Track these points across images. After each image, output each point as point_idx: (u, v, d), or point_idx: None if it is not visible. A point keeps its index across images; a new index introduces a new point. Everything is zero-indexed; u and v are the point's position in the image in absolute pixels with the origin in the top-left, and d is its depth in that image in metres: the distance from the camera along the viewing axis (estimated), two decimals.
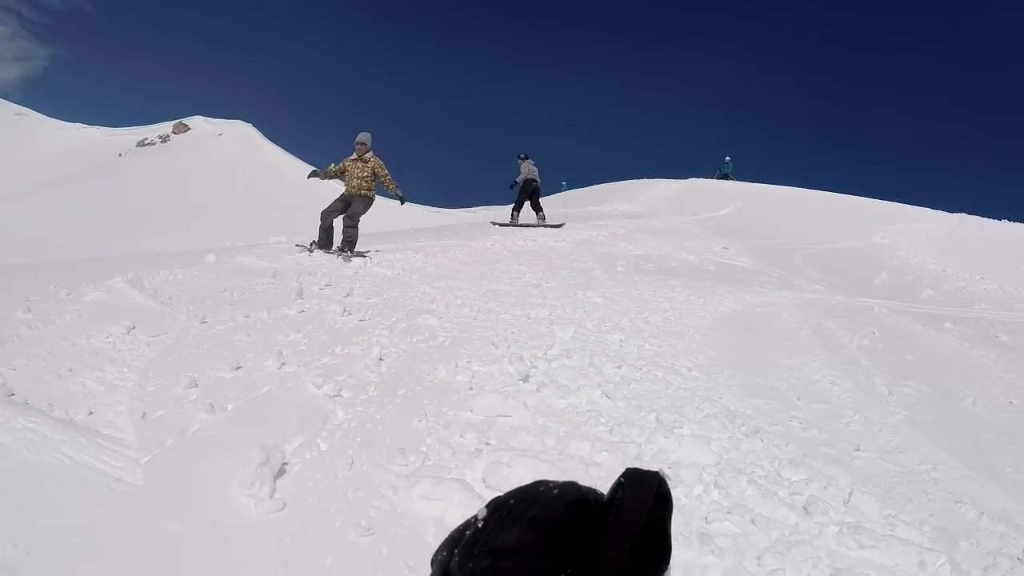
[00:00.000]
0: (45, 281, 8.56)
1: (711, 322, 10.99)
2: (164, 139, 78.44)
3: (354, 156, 13.54)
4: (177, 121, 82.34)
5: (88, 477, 4.07)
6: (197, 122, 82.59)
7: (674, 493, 3.73)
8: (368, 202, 13.56)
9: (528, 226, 20.75)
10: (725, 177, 38.39)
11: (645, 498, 0.79)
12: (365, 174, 13.44)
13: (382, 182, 13.64)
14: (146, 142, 77.88)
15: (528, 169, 21.49)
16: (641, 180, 38.52)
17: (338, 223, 13.35)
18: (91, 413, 5.05)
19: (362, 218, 13.25)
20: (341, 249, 12.94)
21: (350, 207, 13.27)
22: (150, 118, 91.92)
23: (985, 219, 28.22)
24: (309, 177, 14.59)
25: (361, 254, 12.98)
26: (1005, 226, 27.49)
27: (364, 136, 13.56)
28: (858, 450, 6.81)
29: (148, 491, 4.13)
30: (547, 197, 37.99)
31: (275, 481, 4.34)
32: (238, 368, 6.35)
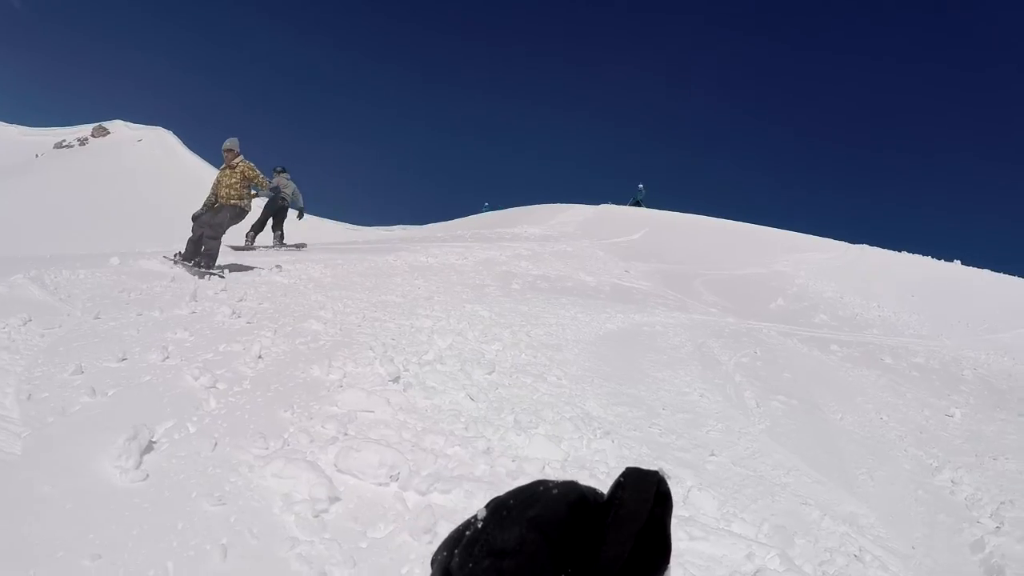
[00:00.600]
0: None
1: (593, 337, 11.18)
2: (83, 142, 76.45)
3: (223, 165, 12.97)
4: (97, 124, 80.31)
5: None
6: (117, 126, 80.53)
7: (516, 483, 3.85)
8: (238, 212, 12.77)
9: (260, 248, 19.20)
10: (638, 204, 38.75)
11: (645, 497, 0.80)
12: (233, 181, 12.70)
13: (255, 183, 13.00)
14: (64, 144, 75.82)
15: (282, 184, 19.86)
16: (555, 204, 38.91)
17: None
18: None
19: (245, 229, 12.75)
20: (198, 263, 12.11)
21: (216, 216, 12.56)
22: (69, 119, 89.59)
23: (886, 250, 29.29)
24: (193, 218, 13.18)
25: (218, 273, 11.99)
26: (904, 257, 28.54)
27: (230, 142, 12.90)
28: (712, 455, 7.07)
29: (24, 460, 4.49)
30: (467, 218, 38.28)
31: (142, 456, 4.66)
32: (123, 359, 6.63)
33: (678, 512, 5.38)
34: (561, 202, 39.65)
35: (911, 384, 12.06)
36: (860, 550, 5.72)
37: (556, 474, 5.56)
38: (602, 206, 37.37)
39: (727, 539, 5.12)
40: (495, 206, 43.84)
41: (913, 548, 6.19)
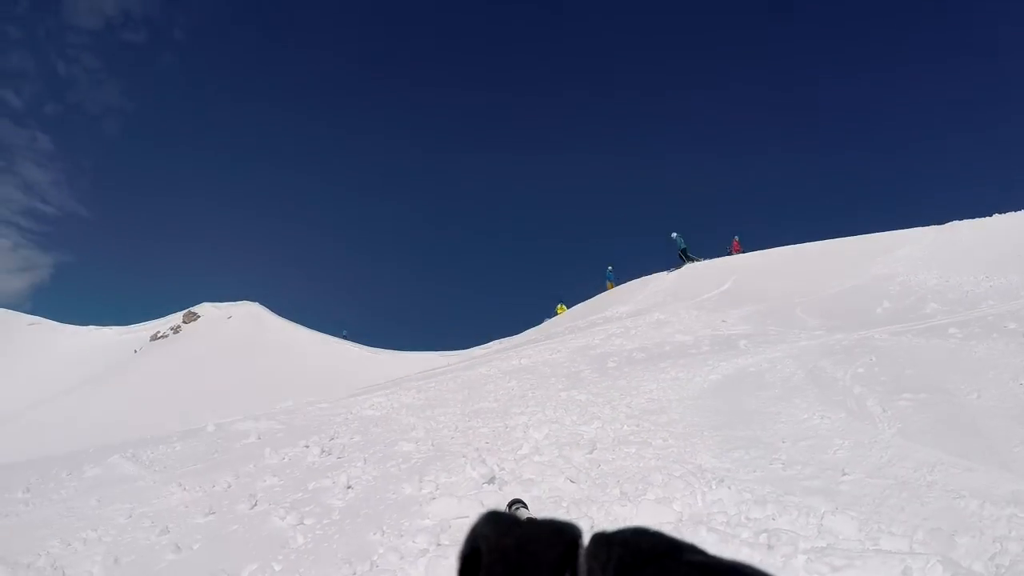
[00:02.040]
0: (51, 467, 9.73)
1: (697, 392, 10.66)
2: (176, 330, 79.10)
3: None
4: (186, 311, 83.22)
5: None
6: (206, 308, 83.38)
7: None
8: None
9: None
10: (684, 252, 37.64)
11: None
12: None
13: None
14: (159, 335, 78.54)
15: None
16: (639, 279, 38.62)
17: None
18: (72, 564, 5.74)
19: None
20: None
21: None
22: (160, 311, 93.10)
23: (976, 220, 27.83)
24: None
25: None
26: (998, 220, 27.04)
27: None
28: (844, 474, 6.46)
29: None
30: (557, 316, 38.10)
31: None
32: (211, 514, 6.89)
33: (813, 544, 4.84)
34: (643, 275, 39.37)
35: None
36: None
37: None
38: (684, 267, 36.80)
39: (876, 559, 4.52)
40: (567, 301, 43.37)
41: None
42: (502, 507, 5.53)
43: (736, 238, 40.29)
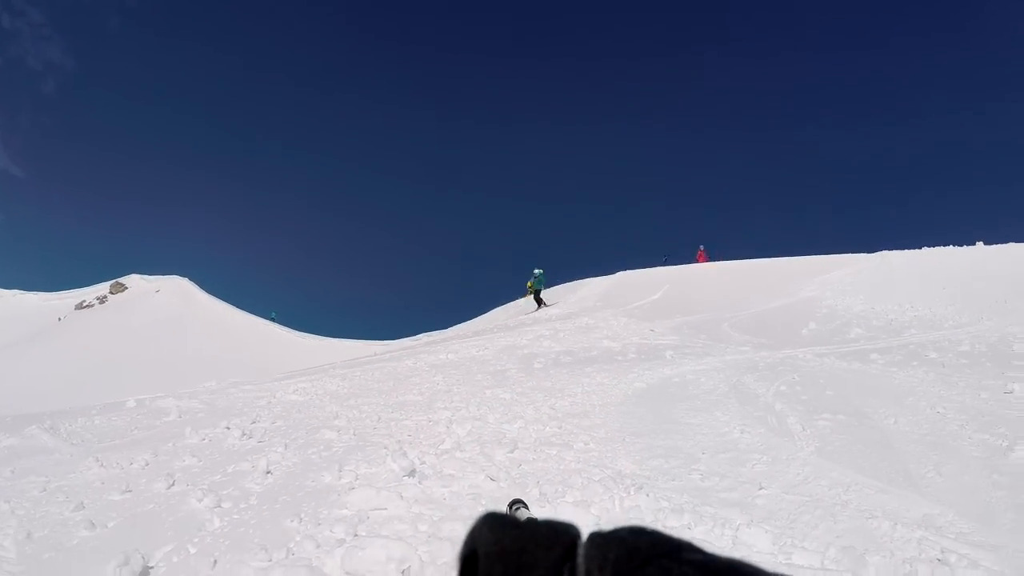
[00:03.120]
0: None
1: (621, 399, 10.66)
2: (102, 300, 77.41)
3: None
4: (114, 281, 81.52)
5: None
6: (134, 280, 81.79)
7: None
8: None
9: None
10: (537, 294, 33.28)
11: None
12: None
13: None
14: (84, 304, 76.86)
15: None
16: (572, 282, 38.76)
17: None
18: None
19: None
20: None
21: None
22: (87, 280, 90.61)
23: (905, 251, 28.57)
24: None
25: None
26: (926, 252, 27.83)
27: None
28: (761, 488, 6.50)
29: None
30: (490, 312, 37.92)
31: None
32: (128, 491, 6.70)
33: (727, 555, 4.84)
34: (577, 278, 39.46)
35: (962, 372, 11.36)
36: (943, 552, 5.12)
37: None
38: (618, 274, 37.02)
39: (786, 572, 4.50)
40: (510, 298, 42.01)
41: (1001, 537, 5.50)
42: (501, 507, 5.49)
43: (701, 247, 40.55)
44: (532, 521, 0.75)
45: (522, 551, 0.69)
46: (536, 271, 32.37)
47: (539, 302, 32.48)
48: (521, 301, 36.52)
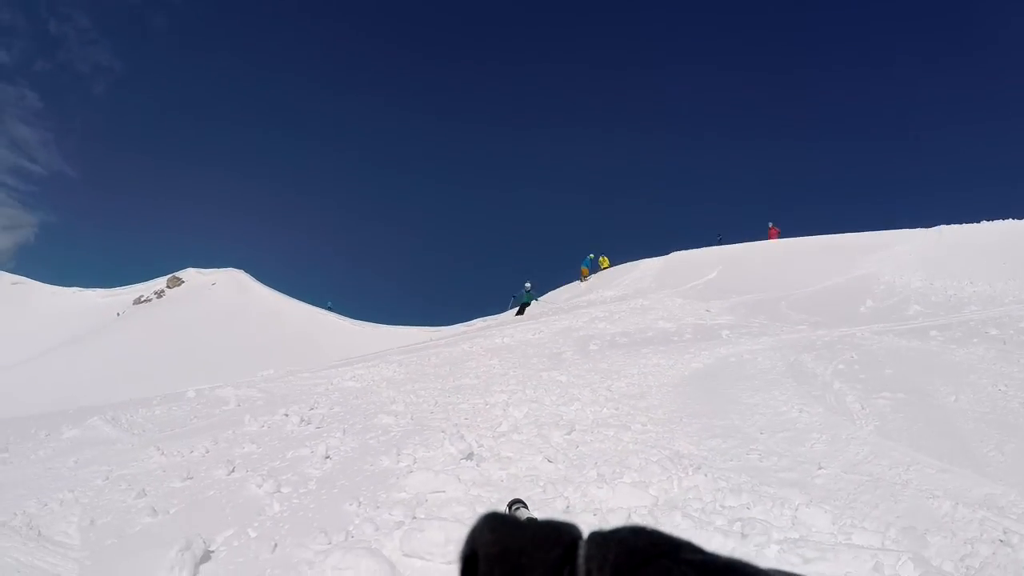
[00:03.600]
0: (29, 426, 9.78)
1: (678, 380, 10.65)
2: (159, 294, 78.43)
3: None
4: (170, 276, 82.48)
5: (30, 574, 4.71)
6: (190, 274, 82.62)
7: None
8: None
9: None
10: (524, 306, 31.96)
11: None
12: None
13: None
14: (142, 299, 77.89)
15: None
16: (624, 264, 38.38)
17: None
18: (49, 524, 5.68)
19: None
20: None
21: None
22: (144, 275, 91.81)
23: (964, 225, 27.73)
24: None
25: None
26: (985, 227, 27.01)
27: None
28: (820, 468, 6.44)
29: None
30: (543, 296, 37.84)
31: (197, 566, 4.77)
32: (189, 478, 6.84)
33: (786, 535, 4.84)
34: (629, 260, 39.12)
35: None
36: (1005, 532, 5.02)
37: (645, 519, 5.09)
38: (671, 255, 36.55)
39: (847, 553, 4.50)
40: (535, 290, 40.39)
41: None
42: (500, 506, 5.57)
43: (771, 224, 39.98)
44: (532, 521, 0.74)
45: (522, 552, 0.69)
46: (527, 285, 32.10)
47: (522, 310, 31.46)
48: (583, 285, 36.14)
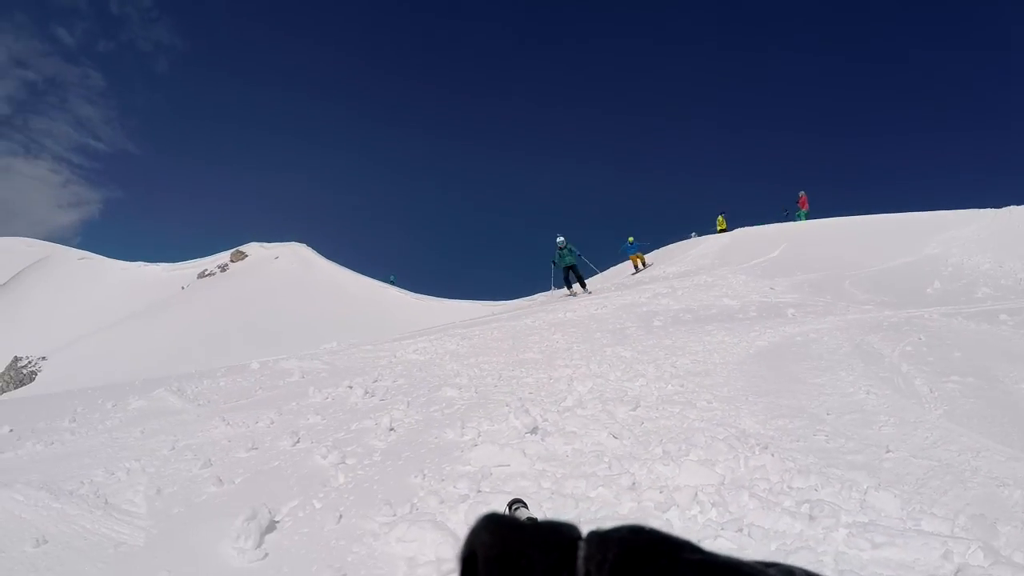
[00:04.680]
0: (96, 397, 10.00)
1: (743, 357, 10.53)
2: (223, 268, 79.51)
3: None
4: (234, 250, 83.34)
5: (97, 542, 4.81)
6: (253, 248, 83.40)
7: (667, 516, 3.32)
8: None
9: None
10: (569, 271, 26.19)
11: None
12: None
13: None
14: (206, 273, 79.09)
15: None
16: (688, 239, 38.12)
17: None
18: (115, 493, 5.75)
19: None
20: None
21: None
22: (207, 249, 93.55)
23: None
24: None
25: None
26: None
27: None
28: (888, 452, 6.32)
29: (146, 550, 4.74)
30: (604, 271, 37.65)
31: (262, 536, 4.82)
32: (253, 449, 6.94)
33: (855, 518, 4.77)
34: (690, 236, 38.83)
35: None
36: None
37: (712, 498, 5.07)
38: (735, 231, 36.16)
39: (917, 540, 4.42)
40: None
41: None
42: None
43: (802, 193, 39.67)
44: (532, 522, 0.75)
45: (521, 553, 0.70)
46: (559, 240, 25.36)
47: (571, 279, 25.51)
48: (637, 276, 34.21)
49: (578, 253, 25.60)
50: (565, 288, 25.90)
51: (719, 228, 38.76)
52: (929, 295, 16.97)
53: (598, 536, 0.70)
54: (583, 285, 25.55)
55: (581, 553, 0.69)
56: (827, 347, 10.95)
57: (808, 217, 38.29)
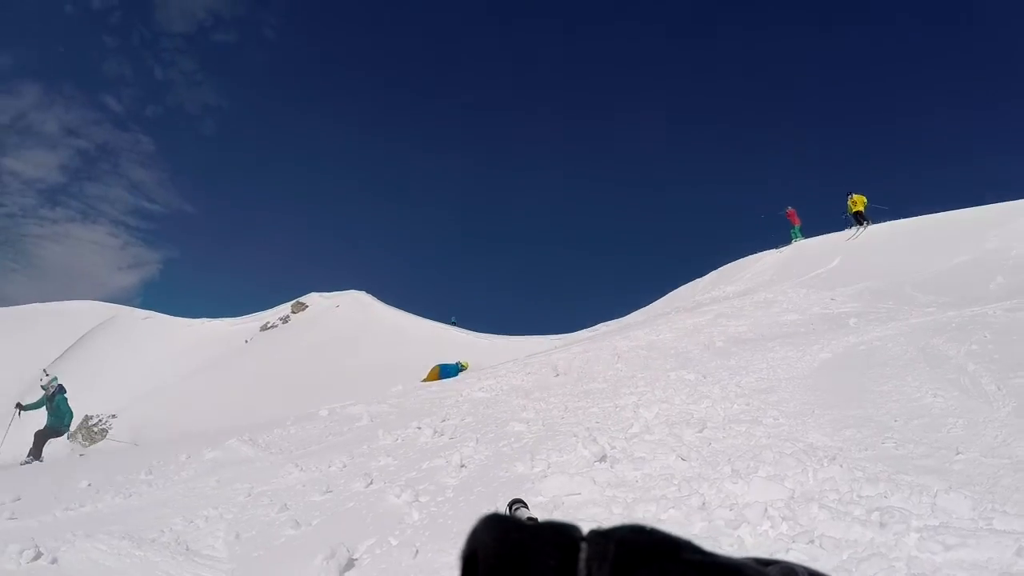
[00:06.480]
0: (170, 450, 10.26)
1: (807, 371, 10.45)
2: (285, 320, 79.84)
3: None
4: (295, 301, 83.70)
5: None
6: (313, 299, 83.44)
7: (738, 533, 3.43)
8: None
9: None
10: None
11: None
12: None
13: None
14: (268, 326, 79.28)
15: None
16: (745, 258, 37.47)
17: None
18: (196, 540, 5.95)
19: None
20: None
21: None
22: (268, 302, 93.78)
23: None
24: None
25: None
26: None
27: None
28: (958, 453, 6.23)
29: None
30: (665, 296, 37.42)
31: (342, 574, 4.95)
32: (328, 492, 7.09)
33: (926, 522, 4.74)
34: (749, 253, 38.25)
35: None
36: None
37: (781, 513, 5.06)
38: (792, 244, 35.65)
39: (990, 539, 4.38)
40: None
41: None
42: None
43: (790, 208, 38.37)
44: (533, 522, 0.74)
45: (522, 553, 0.69)
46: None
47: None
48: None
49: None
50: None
51: (853, 210, 35.46)
52: (992, 291, 16.59)
53: (599, 536, 0.69)
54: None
55: (583, 553, 0.68)
56: (891, 354, 10.81)
57: (802, 232, 37.23)
